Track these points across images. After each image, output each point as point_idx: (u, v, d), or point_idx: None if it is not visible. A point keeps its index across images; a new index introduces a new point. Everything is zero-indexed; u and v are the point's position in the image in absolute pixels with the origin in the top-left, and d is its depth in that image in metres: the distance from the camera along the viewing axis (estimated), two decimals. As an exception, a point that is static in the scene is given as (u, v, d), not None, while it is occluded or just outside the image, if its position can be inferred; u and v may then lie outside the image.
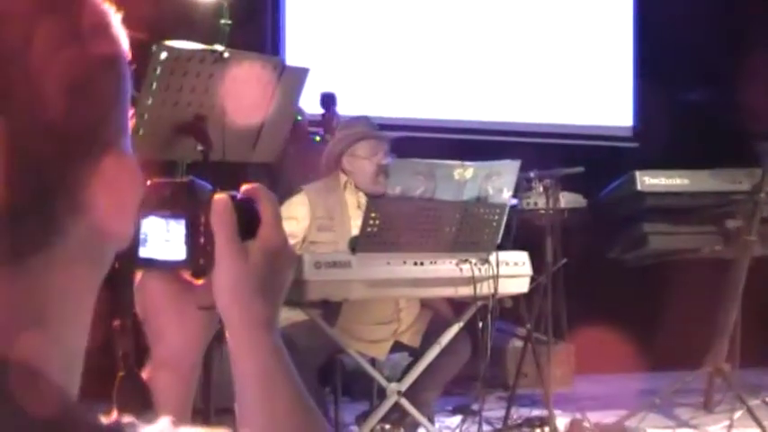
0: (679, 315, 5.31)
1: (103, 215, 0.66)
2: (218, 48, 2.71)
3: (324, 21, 6.20)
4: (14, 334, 0.62)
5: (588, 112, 6.86)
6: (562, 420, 4.24)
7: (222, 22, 2.71)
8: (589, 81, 6.85)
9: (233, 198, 0.89)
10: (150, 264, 0.89)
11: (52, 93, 0.62)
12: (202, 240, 0.88)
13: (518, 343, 4.94)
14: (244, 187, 0.91)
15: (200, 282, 0.91)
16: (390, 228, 3.16)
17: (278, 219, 0.91)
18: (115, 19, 0.70)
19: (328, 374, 3.64)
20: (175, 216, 0.88)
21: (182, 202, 0.88)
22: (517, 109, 6.62)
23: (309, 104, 4.86)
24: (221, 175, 3.30)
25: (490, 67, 6.52)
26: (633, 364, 5.76)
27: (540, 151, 5.95)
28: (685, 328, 4.72)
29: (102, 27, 0.68)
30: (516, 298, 4.04)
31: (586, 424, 4.19)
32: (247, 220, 0.89)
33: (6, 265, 0.62)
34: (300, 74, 3.04)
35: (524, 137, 6.46)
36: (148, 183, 0.78)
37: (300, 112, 4.98)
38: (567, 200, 4.22)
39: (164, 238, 0.88)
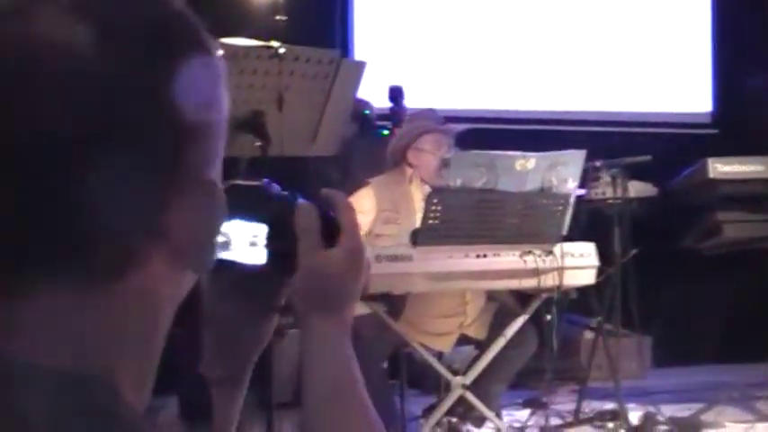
0: (756, 305, 5.17)
1: (184, 244, 0.68)
2: (274, 44, 2.72)
3: (392, 14, 6.19)
4: (93, 353, 0.64)
5: (665, 98, 6.72)
6: (635, 414, 4.17)
7: (277, 17, 2.72)
8: (665, 67, 6.71)
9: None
10: (232, 266, 0.89)
11: (133, 119, 0.63)
12: (285, 245, 0.88)
13: (590, 335, 4.87)
14: (323, 192, 0.92)
15: (276, 285, 0.92)
16: (451, 220, 3.14)
17: (357, 227, 0.91)
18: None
19: (395, 367, 3.65)
20: (258, 220, 0.88)
21: (263, 206, 0.89)
22: (592, 98, 6.51)
23: (378, 98, 4.87)
24: (286, 169, 3.33)
25: (563, 56, 6.43)
26: (710, 355, 5.64)
27: (617, 140, 5.86)
28: (763, 319, 4.58)
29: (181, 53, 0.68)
30: (586, 289, 3.98)
31: (660, 417, 4.11)
32: (327, 228, 0.89)
33: (88, 289, 0.64)
34: (358, 67, 3.04)
35: (599, 126, 6.36)
36: (227, 185, 0.78)
37: (368, 106, 4.99)
38: (637, 189, 4.13)
39: (247, 242, 0.89)
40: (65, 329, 0.64)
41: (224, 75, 0.73)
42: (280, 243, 0.88)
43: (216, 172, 0.71)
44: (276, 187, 0.90)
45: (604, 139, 5.91)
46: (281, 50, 2.73)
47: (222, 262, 0.86)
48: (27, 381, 0.62)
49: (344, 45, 6.06)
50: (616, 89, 6.56)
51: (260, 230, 0.88)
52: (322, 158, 3.66)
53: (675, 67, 6.76)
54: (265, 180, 0.91)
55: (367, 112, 4.93)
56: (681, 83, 6.81)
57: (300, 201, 0.89)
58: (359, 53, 6.02)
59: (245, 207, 0.87)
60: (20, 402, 0.60)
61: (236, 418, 0.96)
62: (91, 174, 0.62)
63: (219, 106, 0.72)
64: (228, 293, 0.92)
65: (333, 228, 0.89)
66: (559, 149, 3.34)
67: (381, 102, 4.85)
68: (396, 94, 4.88)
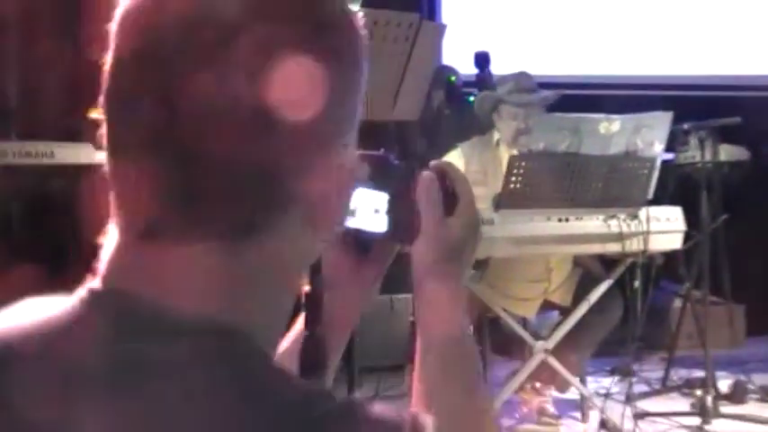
0: None
1: (318, 208, 0.71)
2: (354, 6, 2.74)
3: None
4: (232, 306, 0.68)
5: (759, 60, 6.53)
6: (725, 382, 4.12)
7: (357, -19, 2.72)
8: (758, 29, 6.52)
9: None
10: (356, 233, 0.93)
11: (274, 89, 0.66)
12: (406, 214, 0.91)
13: (680, 303, 4.80)
14: (433, 164, 0.94)
15: (389, 252, 0.97)
16: (533, 184, 3.15)
17: (473, 197, 0.94)
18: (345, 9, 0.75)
19: (479, 334, 3.67)
20: (381, 188, 0.92)
21: (386, 175, 0.92)
22: (686, 61, 6.38)
23: (464, 65, 4.86)
24: (369, 135, 3.36)
25: (653, 20, 6.30)
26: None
27: (708, 104, 5.72)
28: None
29: (328, 23, 0.72)
30: (676, 256, 3.93)
31: (751, 386, 4.06)
32: (446, 198, 0.92)
33: (231, 244, 0.68)
34: (438, 29, 3.04)
35: (690, 90, 6.23)
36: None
37: (454, 72, 4.98)
38: (728, 153, 4.05)
39: (370, 209, 0.93)
40: (208, 280, 0.68)
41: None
42: (401, 212, 0.92)
43: (351, 137, 0.74)
44: (392, 157, 0.94)
45: (695, 103, 5.78)
46: (361, 14, 2.74)
47: (348, 229, 0.90)
48: (174, 325, 0.66)
49: (431, 10, 6.06)
50: (707, 51, 6.41)
51: (382, 199, 0.92)
52: (409, 126, 3.68)
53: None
54: (383, 150, 0.94)
55: (453, 78, 4.93)
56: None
57: (422, 171, 0.92)
58: (446, 18, 6.00)
59: (370, 176, 0.90)
60: (166, 345, 0.65)
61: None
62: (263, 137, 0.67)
63: (361, 66, 0.75)
64: (341, 260, 0.96)
65: (451, 198, 0.92)
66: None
67: (468, 68, 4.84)
68: (481, 60, 4.86)
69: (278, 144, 0.67)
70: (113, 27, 0.68)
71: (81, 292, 0.70)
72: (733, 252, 4.11)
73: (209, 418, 0.62)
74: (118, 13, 0.69)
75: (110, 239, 0.70)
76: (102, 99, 0.69)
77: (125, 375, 0.64)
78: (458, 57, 4.66)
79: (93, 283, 0.70)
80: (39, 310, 0.71)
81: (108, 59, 0.69)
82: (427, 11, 5.98)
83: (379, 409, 0.65)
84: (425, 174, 0.92)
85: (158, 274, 0.67)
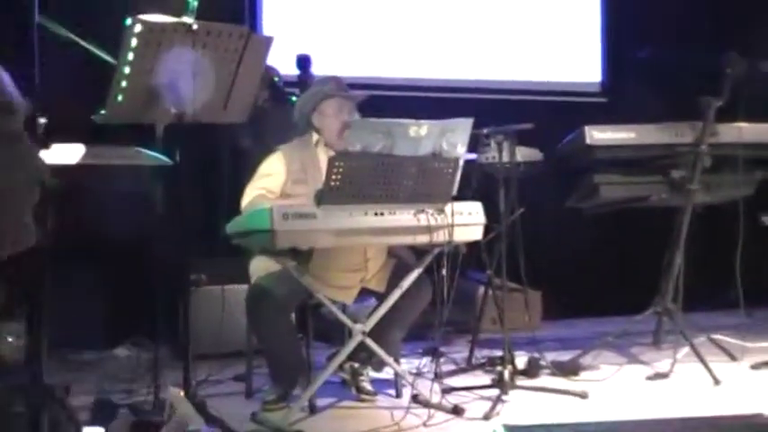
0: (633, 260, 5.61)
1: None
2: (188, 20, 2.99)
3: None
4: None
5: (559, 68, 7.13)
6: (522, 359, 4.55)
7: (191, -4, 2.97)
8: (558, 38, 7.12)
9: None
10: None
11: None
12: None
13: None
14: None
15: None
16: (352, 181, 3.41)
17: None
18: None
19: (303, 322, 3.94)
20: None
21: None
22: (491, 67, 6.89)
23: (287, 66, 5.14)
24: (200, 136, 3.59)
25: (463, 25, 6.77)
26: (593, 309, 6.10)
27: (511, 108, 6.25)
28: (639, 273, 5.02)
29: None
30: (479, 247, 4.32)
31: (543, 362, 4.50)
32: None
33: None
34: (265, 41, 3.32)
35: (496, 94, 6.76)
36: None
37: (277, 73, 5.25)
38: (524, 154, 4.49)
39: None
40: None
41: None
42: None
43: None
44: None
45: (499, 107, 6.31)
46: (195, 26, 3.00)
47: None
48: None
49: (253, 17, 6.30)
50: (513, 59, 6.96)
51: None
52: (236, 125, 3.92)
53: (568, 40, 7.18)
54: None
55: (276, 79, 5.20)
56: (572, 54, 7.24)
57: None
58: (267, 24, 6.27)
59: None
60: None
61: None
62: None
63: None
64: None
65: None
66: (460, 116, 3.60)
67: (290, 69, 5.13)
68: (303, 62, 5.16)
69: None
70: None
71: None
72: (529, 242, 4.51)
73: None
74: None
75: None
76: None
77: None
78: (279, 59, 4.92)
79: None
80: None
81: None
82: (249, 16, 6.24)
83: None
84: None
85: None
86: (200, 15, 3.11)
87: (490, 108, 5.44)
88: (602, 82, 7.33)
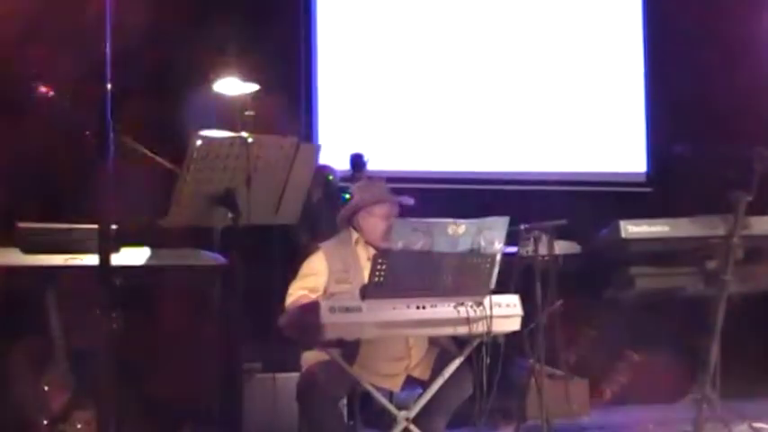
0: (671, 349, 5.73)
1: None
2: (243, 134, 3.32)
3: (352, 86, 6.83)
4: None
5: (602, 158, 7.37)
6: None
7: (246, 113, 3.32)
8: (603, 129, 7.38)
9: None
10: None
11: None
12: None
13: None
14: None
15: None
16: (395, 277, 3.65)
17: None
18: None
19: (351, 410, 4.15)
20: None
21: None
22: (538, 159, 7.15)
23: (341, 164, 5.48)
24: (256, 236, 3.87)
25: (509, 119, 7.08)
26: (644, 395, 6.19)
27: (554, 199, 6.49)
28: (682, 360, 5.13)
29: None
30: (517, 336, 4.50)
31: (585, 448, 4.64)
32: None
33: None
34: (314, 149, 3.64)
35: (542, 185, 7.00)
36: None
37: (332, 171, 5.57)
38: (562, 247, 4.70)
39: None
40: None
41: None
42: None
43: None
44: None
45: (544, 198, 6.55)
46: (250, 140, 3.33)
47: None
48: None
49: (309, 115, 6.69)
50: (562, 152, 7.22)
51: None
52: (292, 224, 4.19)
53: (613, 131, 7.43)
54: None
55: (330, 177, 5.52)
56: (619, 145, 7.48)
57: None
58: (322, 122, 6.65)
59: None
60: None
61: None
62: None
63: None
64: None
65: None
66: (511, 208, 3.87)
67: (345, 166, 5.46)
68: (357, 160, 5.49)
69: None
70: None
71: None
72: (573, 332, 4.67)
73: None
74: None
75: None
76: None
77: None
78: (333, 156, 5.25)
79: None
80: None
81: None
82: (304, 116, 6.62)
83: None
84: None
85: None
86: (258, 122, 3.45)
87: (540, 198, 5.64)
88: (647, 172, 7.53)
